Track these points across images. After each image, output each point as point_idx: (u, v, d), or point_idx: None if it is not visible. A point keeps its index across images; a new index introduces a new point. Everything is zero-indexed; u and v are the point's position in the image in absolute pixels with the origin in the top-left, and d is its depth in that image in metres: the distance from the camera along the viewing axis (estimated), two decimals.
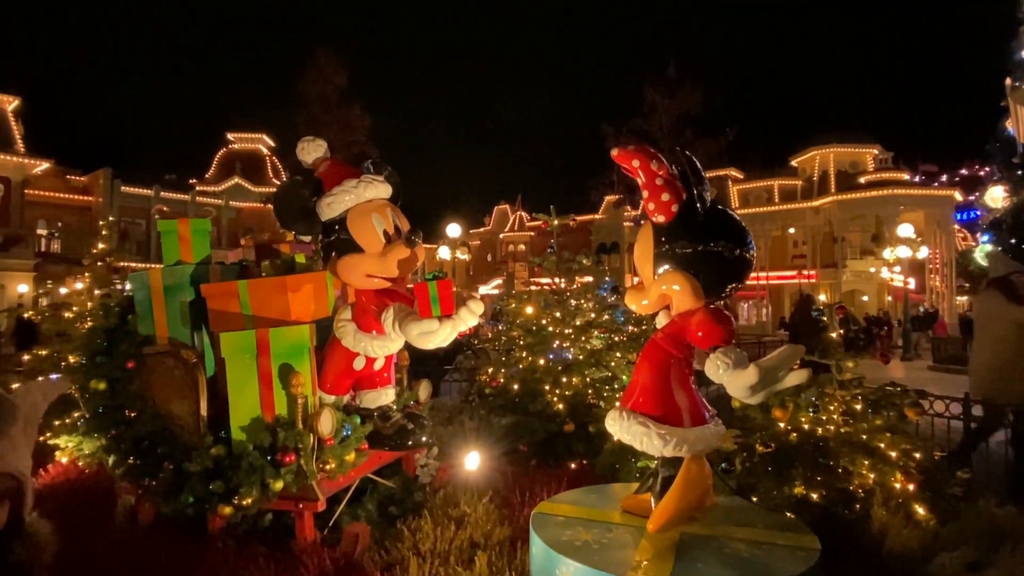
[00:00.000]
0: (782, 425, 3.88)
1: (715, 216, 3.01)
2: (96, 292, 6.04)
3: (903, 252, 22.43)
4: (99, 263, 6.27)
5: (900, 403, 3.80)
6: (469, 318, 3.39)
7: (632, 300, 3.24)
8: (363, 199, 3.67)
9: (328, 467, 3.43)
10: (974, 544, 3.09)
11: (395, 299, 3.62)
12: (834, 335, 4.02)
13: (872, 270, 36.75)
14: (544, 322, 5.34)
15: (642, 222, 3.21)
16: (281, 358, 3.47)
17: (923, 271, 36.65)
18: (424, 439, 3.98)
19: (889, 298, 36.28)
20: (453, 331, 3.37)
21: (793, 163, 42.63)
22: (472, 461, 4.42)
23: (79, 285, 6.40)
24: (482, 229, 54.91)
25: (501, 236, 53.53)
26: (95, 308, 5.65)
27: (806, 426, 3.86)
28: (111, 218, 7.37)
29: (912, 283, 33.46)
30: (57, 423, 4.88)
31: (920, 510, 3.39)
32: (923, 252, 25.78)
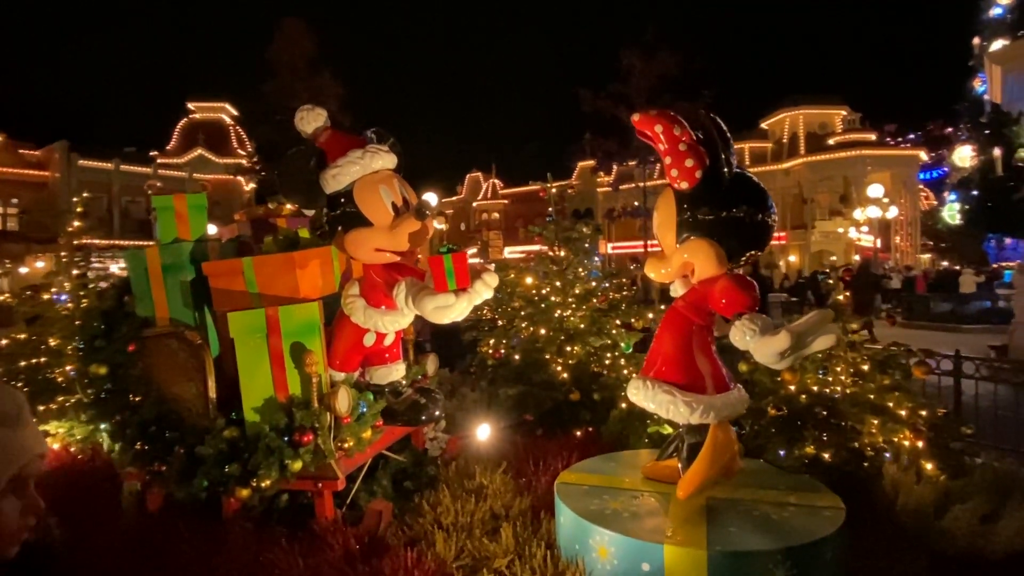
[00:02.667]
0: (792, 388, 3.93)
1: (738, 181, 2.98)
2: (74, 273, 5.79)
3: (873, 212, 22.86)
4: (74, 242, 6.01)
5: (907, 362, 3.87)
6: (485, 291, 3.32)
7: (653, 268, 3.21)
8: (369, 170, 3.54)
9: (346, 445, 3.37)
10: (984, 498, 3.19)
11: (405, 273, 3.53)
12: (841, 297, 4.06)
13: (840, 230, 37.50)
14: (545, 291, 5.30)
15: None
16: (292, 337, 3.37)
17: (888, 230, 37.49)
18: (437, 413, 3.94)
19: (856, 257, 37.11)
20: (469, 305, 3.31)
21: (763, 125, 42.88)
22: (483, 432, 4.41)
23: (40, 264, 6.14)
24: (455, 198, 54.34)
25: (475, 204, 53.11)
26: (75, 287, 5.44)
27: (815, 388, 3.92)
28: (85, 194, 7.00)
29: (879, 242, 34.33)
30: (43, 408, 4.72)
31: (929, 466, 3.48)
32: (892, 212, 26.32)
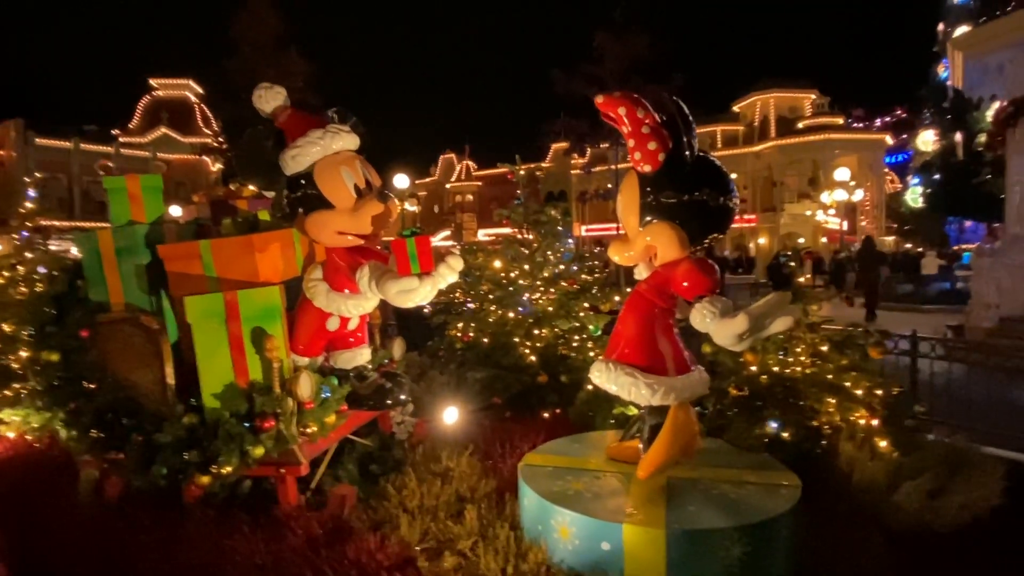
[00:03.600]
0: (753, 368, 4.00)
1: (700, 164, 2.99)
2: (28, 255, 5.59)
3: (840, 195, 23.29)
4: (28, 224, 5.81)
5: (864, 343, 3.96)
6: (449, 275, 3.30)
7: (616, 252, 3.22)
8: (330, 151, 3.46)
9: (309, 430, 3.34)
10: (934, 473, 3.30)
11: (368, 257, 3.49)
12: (802, 279, 4.12)
13: (808, 213, 38.19)
14: (514, 275, 5.29)
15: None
16: (252, 321, 3.31)
17: (855, 213, 38.28)
18: (403, 397, 3.93)
19: (824, 239, 37.86)
20: (433, 289, 3.28)
21: (735, 109, 43.24)
22: (450, 416, 4.40)
23: None
24: (428, 179, 53.84)
25: (448, 186, 52.71)
26: (30, 272, 5.26)
27: (775, 368, 3.99)
28: (37, 174, 6.75)
29: (845, 224, 35.07)
30: None
31: (883, 443, 3.58)
32: (858, 195, 26.84)
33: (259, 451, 3.18)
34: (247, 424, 3.19)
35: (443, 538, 3.08)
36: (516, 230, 5.62)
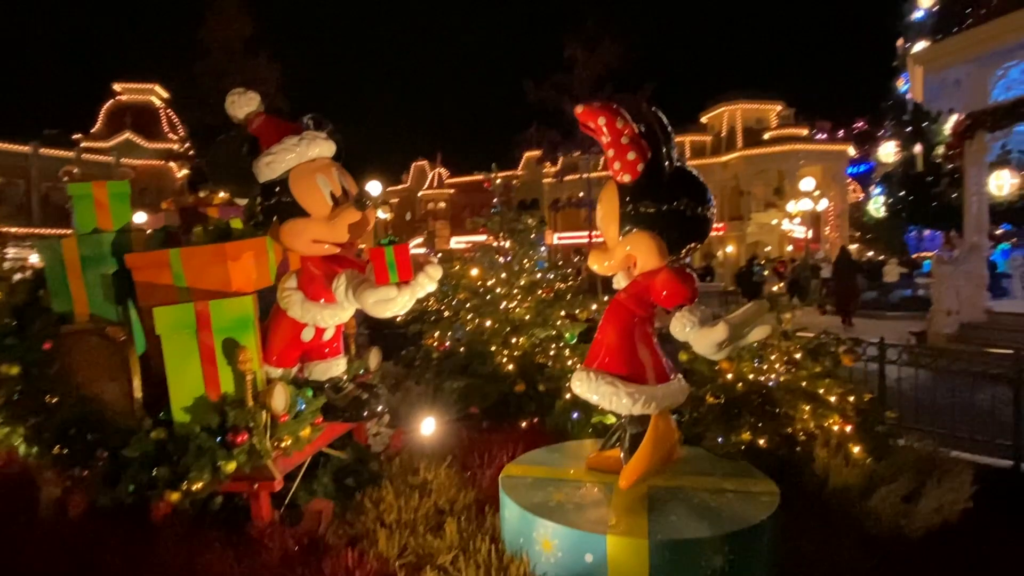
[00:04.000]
0: (729, 376, 4.04)
1: (679, 174, 3.01)
2: None
3: (806, 205, 23.83)
4: None
5: (836, 350, 4.03)
6: (428, 284, 3.26)
7: (596, 261, 3.22)
8: (306, 158, 3.40)
9: (283, 444, 3.26)
10: (906, 479, 3.36)
11: (344, 265, 3.43)
12: (776, 288, 4.19)
13: (774, 222, 38.94)
14: (490, 283, 5.27)
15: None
16: (224, 332, 3.22)
17: (818, 222, 39.16)
18: (380, 408, 3.86)
19: (789, 247, 38.65)
20: (412, 298, 3.24)
21: (703, 119, 43.95)
22: (428, 427, 4.35)
23: None
24: (400, 187, 53.50)
25: (420, 194, 52.43)
26: None
27: (751, 376, 4.03)
28: None
29: (809, 233, 35.85)
30: None
31: (856, 449, 3.64)
32: (823, 204, 27.48)
33: (231, 466, 3.08)
34: (219, 438, 3.10)
35: (423, 552, 3.03)
36: (491, 237, 5.61)
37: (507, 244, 5.39)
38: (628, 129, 2.95)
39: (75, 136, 35.05)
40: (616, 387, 2.99)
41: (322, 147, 3.49)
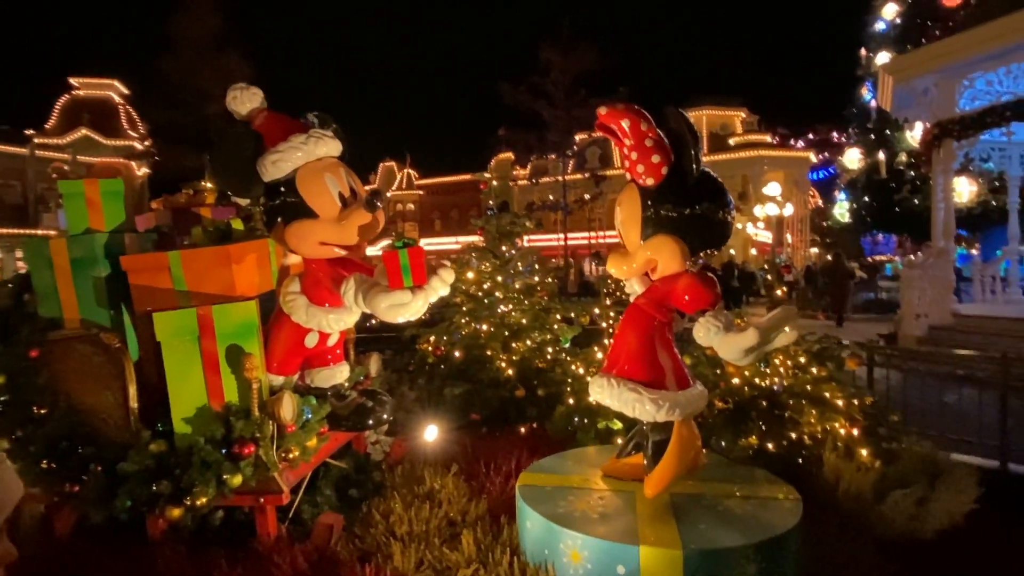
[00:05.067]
0: (735, 381, 4.04)
1: (701, 178, 2.98)
2: None
3: (771, 210, 24.32)
4: None
5: (839, 354, 4.06)
6: (441, 288, 3.15)
7: (615, 265, 3.17)
8: (313, 157, 3.27)
9: (291, 456, 3.11)
10: (921, 482, 3.39)
11: (352, 269, 3.30)
12: (779, 292, 4.21)
13: (739, 226, 39.70)
14: (487, 286, 5.18)
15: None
16: (228, 339, 3.07)
17: (780, 226, 40.07)
18: (385, 416, 3.73)
19: (753, 251, 39.45)
20: (425, 303, 3.12)
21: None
22: (431, 434, 4.24)
23: None
24: (367, 187, 52.84)
25: (388, 195, 51.87)
26: None
27: (757, 380, 4.04)
28: None
29: (771, 237, 36.72)
30: None
31: (864, 452, 3.67)
32: (788, 210, 28.15)
33: (237, 480, 2.93)
34: (224, 450, 2.95)
35: (440, 567, 2.92)
36: (480, 240, 5.53)
37: (504, 247, 5.31)
38: (652, 132, 2.91)
39: (28, 132, 33.59)
40: (640, 393, 2.94)
41: (329, 146, 3.37)
